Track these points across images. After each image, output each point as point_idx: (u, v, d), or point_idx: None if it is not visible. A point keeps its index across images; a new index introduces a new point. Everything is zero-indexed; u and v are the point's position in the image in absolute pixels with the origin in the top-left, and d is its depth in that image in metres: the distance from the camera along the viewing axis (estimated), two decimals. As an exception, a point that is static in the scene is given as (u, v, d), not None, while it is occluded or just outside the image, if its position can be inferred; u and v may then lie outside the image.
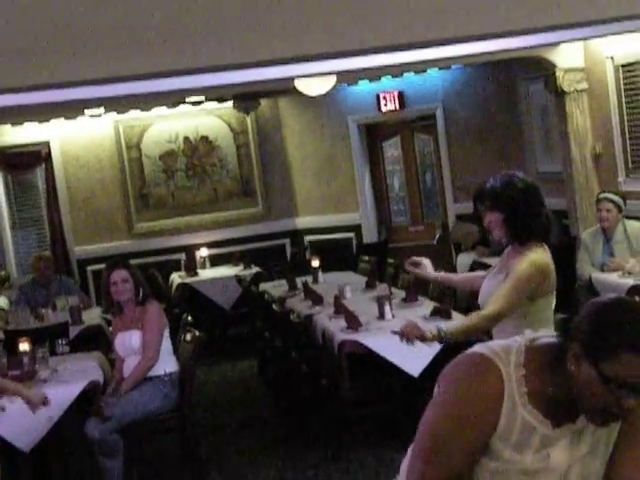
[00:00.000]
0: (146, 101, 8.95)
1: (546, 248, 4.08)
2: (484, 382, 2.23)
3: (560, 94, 8.53)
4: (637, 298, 5.57)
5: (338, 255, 10.87)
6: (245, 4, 3.58)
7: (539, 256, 4.00)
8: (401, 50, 4.23)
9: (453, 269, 9.49)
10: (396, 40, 3.61)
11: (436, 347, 5.39)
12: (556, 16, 3.91)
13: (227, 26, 3.58)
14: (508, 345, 2.30)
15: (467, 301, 6.79)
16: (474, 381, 2.24)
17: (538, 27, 4.10)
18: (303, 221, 11.74)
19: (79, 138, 10.95)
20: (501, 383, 2.22)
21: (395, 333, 4.19)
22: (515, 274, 3.95)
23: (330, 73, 6.22)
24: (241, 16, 3.56)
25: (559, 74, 8.41)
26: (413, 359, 5.57)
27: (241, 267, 10.35)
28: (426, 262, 4.70)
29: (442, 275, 4.90)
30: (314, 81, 6.75)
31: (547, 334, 2.33)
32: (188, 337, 6.13)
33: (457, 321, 4.06)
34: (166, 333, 5.99)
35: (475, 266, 8.82)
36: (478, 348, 2.32)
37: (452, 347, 5.59)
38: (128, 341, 5.92)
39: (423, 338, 4.08)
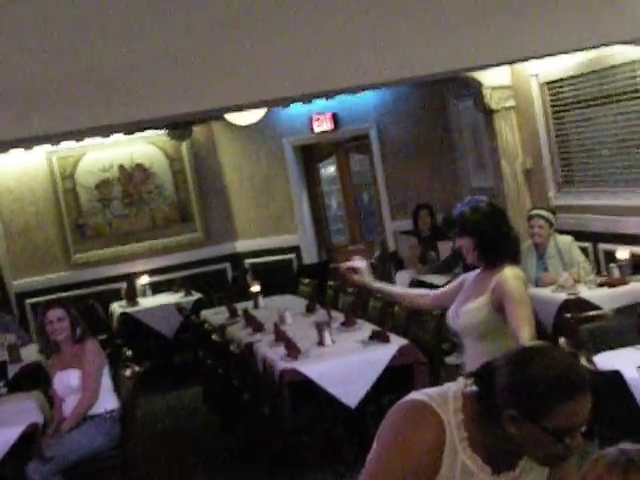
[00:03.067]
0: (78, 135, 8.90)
1: (515, 267, 4.15)
2: (424, 429, 2.22)
3: (489, 112, 8.68)
4: (568, 315, 5.72)
5: (279, 277, 10.91)
6: (163, 59, 3.63)
7: (514, 271, 4.09)
8: (323, 97, 4.30)
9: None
10: (316, 88, 3.69)
11: (373, 376, 5.45)
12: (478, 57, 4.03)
13: (147, 81, 3.62)
14: (444, 391, 2.31)
15: (405, 323, 6.88)
16: (414, 429, 2.23)
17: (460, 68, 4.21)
18: (243, 244, 11.75)
19: (11, 171, 10.83)
20: (442, 429, 2.22)
21: None
22: (512, 294, 3.99)
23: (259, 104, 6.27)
24: (157, 70, 3.61)
25: (486, 92, 8.55)
26: (351, 389, 5.62)
27: (182, 294, 10.32)
28: (362, 265, 4.51)
29: (383, 286, 4.70)
30: (244, 112, 6.80)
31: None
32: (128, 373, 6.11)
33: None
34: (105, 370, 5.95)
35: (414, 283, 8.94)
36: (415, 395, 2.31)
37: (390, 376, 5.69)
38: (67, 380, 5.87)
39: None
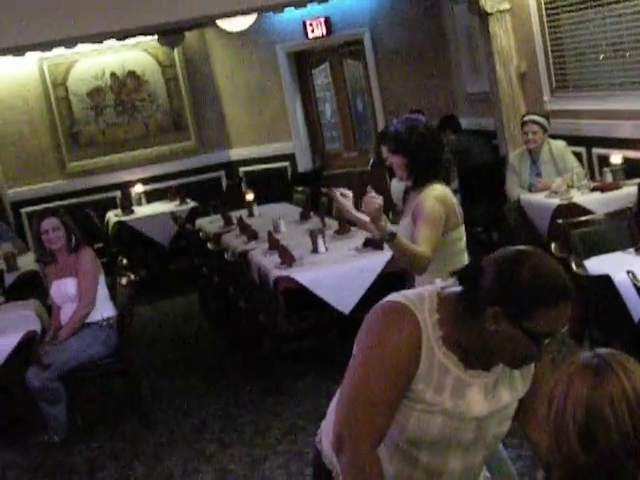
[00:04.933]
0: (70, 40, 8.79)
1: (444, 185, 4.14)
2: (401, 329, 2.28)
3: (483, 15, 8.54)
4: (560, 221, 5.75)
5: (274, 185, 10.90)
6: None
7: (438, 190, 4.07)
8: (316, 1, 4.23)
9: (388, 194, 9.58)
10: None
11: (367, 283, 5.51)
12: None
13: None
14: (420, 293, 2.36)
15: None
16: (392, 330, 2.29)
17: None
18: (237, 152, 11.71)
19: (3, 79, 10.72)
20: (418, 328, 2.28)
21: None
22: (424, 215, 3.99)
23: (250, 10, 6.19)
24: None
25: (481, -5, 8.42)
26: (344, 295, 5.68)
27: (177, 202, 10.34)
28: (350, 195, 4.37)
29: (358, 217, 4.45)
30: (235, 18, 6.70)
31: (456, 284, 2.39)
32: (124, 281, 6.16)
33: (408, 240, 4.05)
34: (101, 279, 6.00)
35: (408, 191, 8.94)
36: (392, 297, 2.37)
37: (383, 283, 5.74)
38: (64, 289, 5.93)
39: (376, 221, 3.81)
